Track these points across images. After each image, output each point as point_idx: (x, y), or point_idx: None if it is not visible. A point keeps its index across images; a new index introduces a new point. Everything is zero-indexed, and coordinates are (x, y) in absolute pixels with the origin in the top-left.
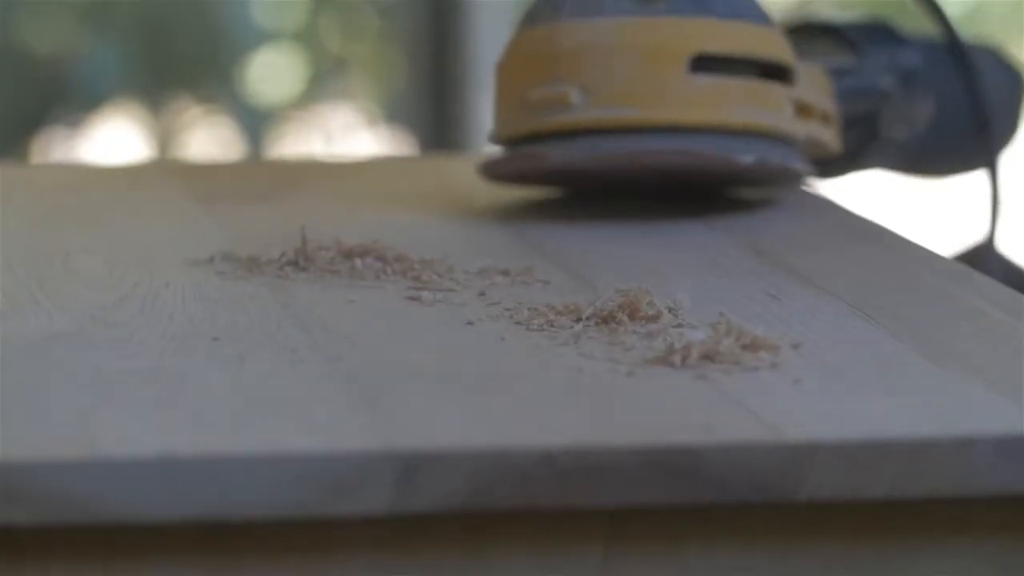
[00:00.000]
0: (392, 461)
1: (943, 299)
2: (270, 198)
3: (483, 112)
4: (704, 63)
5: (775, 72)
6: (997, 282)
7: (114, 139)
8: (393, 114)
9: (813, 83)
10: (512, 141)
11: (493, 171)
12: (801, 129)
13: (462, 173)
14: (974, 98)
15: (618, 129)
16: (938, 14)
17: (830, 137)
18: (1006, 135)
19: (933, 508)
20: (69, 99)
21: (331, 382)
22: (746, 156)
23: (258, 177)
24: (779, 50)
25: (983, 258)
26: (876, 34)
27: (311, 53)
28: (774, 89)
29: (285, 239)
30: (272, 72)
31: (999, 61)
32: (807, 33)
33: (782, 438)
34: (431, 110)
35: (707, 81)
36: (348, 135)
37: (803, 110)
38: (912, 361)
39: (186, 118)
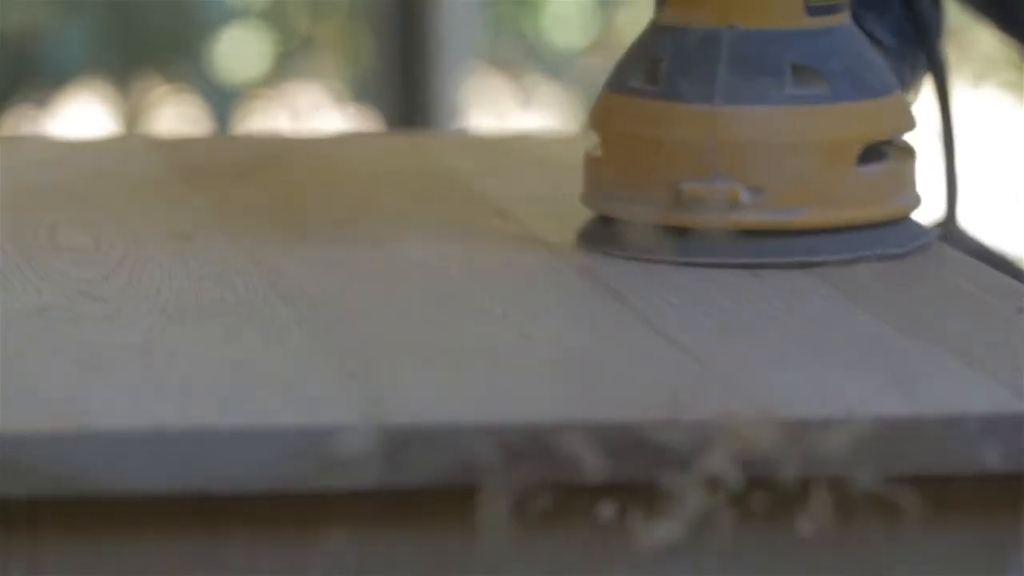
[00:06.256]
0: (381, 436)
1: (925, 278)
2: (253, 173)
3: (449, 91)
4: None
5: None
6: (977, 261)
7: (82, 116)
8: (360, 93)
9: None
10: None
11: (593, 243)
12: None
13: (437, 149)
14: None
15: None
16: None
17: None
18: None
19: (919, 486)
20: (37, 76)
21: (320, 357)
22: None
23: (239, 152)
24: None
25: (949, 236)
26: None
27: (279, 31)
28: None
29: (270, 213)
30: (240, 50)
31: None
32: None
33: (768, 416)
34: (398, 89)
35: (874, 171)
36: (315, 113)
37: None
38: (897, 340)
39: (154, 95)
